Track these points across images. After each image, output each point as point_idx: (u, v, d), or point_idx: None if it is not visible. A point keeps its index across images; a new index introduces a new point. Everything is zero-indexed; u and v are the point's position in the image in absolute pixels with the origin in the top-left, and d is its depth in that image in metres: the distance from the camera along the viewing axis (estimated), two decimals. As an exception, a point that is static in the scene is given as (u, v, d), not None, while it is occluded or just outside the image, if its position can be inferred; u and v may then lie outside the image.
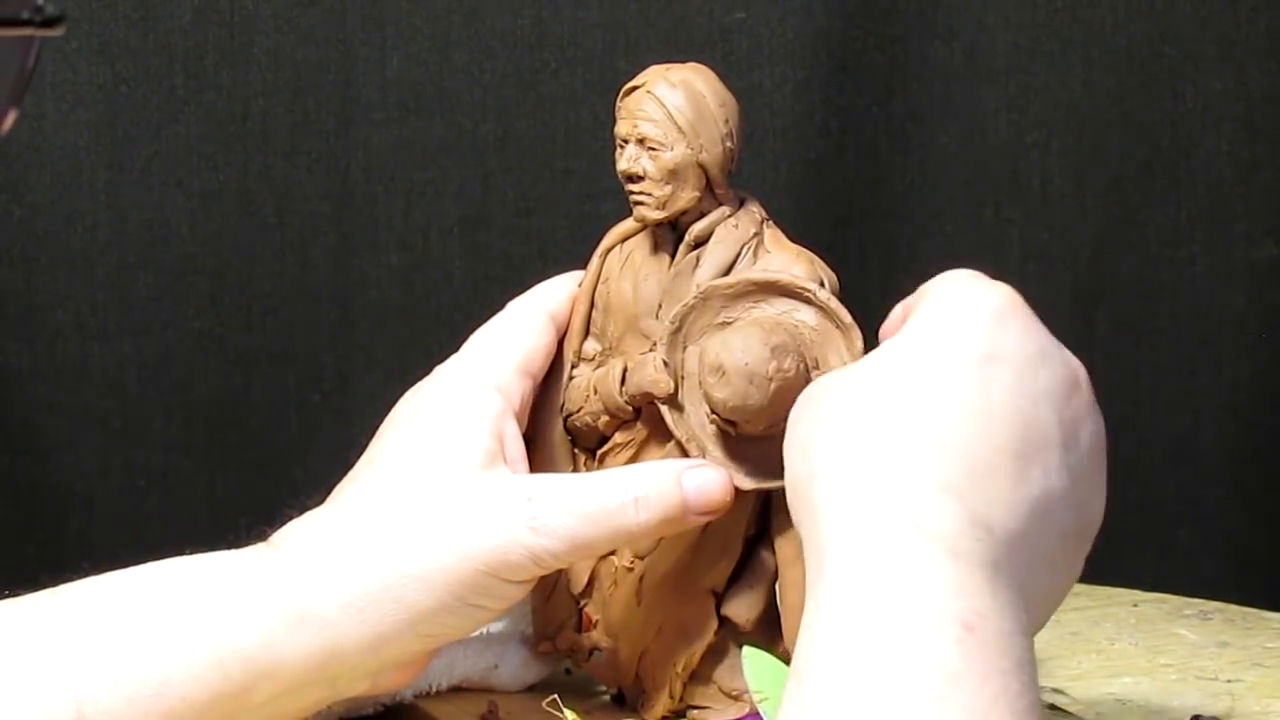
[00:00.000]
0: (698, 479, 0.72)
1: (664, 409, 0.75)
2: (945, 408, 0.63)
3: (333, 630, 0.69)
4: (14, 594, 0.71)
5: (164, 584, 0.70)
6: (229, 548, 0.73)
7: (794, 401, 0.69)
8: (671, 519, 0.72)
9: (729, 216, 0.77)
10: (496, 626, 0.84)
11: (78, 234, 1.32)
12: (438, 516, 0.71)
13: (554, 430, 0.79)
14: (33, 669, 0.66)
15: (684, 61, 0.78)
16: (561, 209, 1.35)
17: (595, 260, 0.80)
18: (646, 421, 0.77)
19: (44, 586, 0.71)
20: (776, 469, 0.70)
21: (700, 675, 0.78)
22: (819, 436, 0.65)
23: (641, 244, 0.79)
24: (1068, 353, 0.67)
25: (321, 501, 0.74)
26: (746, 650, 0.75)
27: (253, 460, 1.35)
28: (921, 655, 0.56)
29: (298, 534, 0.72)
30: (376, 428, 0.77)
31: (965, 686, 0.56)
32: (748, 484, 0.73)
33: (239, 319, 1.35)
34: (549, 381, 0.80)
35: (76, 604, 0.69)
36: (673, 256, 0.77)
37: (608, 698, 0.82)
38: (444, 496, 0.71)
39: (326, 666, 0.69)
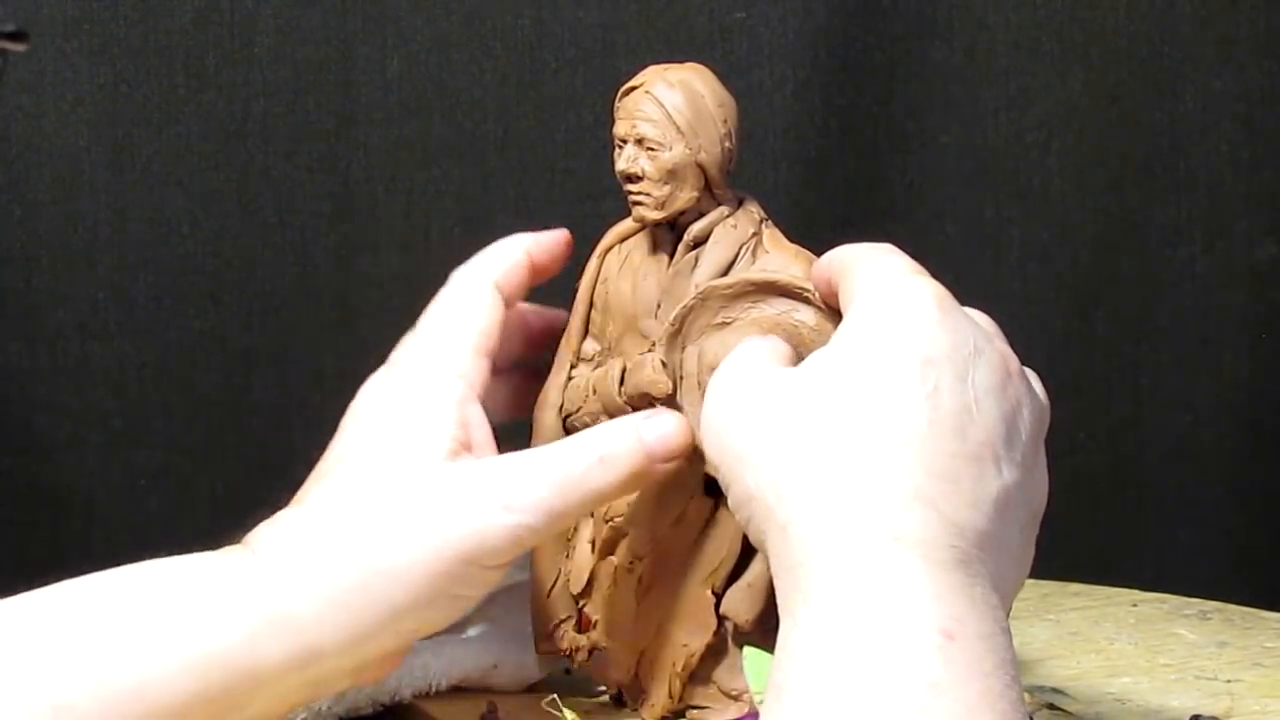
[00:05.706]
0: (656, 428, 0.72)
1: (662, 409, 0.75)
2: (900, 416, 0.63)
3: (313, 633, 0.69)
4: (13, 595, 0.71)
5: (141, 589, 0.69)
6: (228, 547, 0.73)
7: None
8: (638, 472, 0.72)
9: (727, 216, 0.77)
10: (496, 627, 0.84)
11: (78, 234, 1.32)
12: (410, 511, 0.70)
13: (552, 430, 0.79)
14: (7, 674, 0.66)
15: (684, 61, 0.78)
16: (561, 209, 1.35)
17: (594, 260, 0.80)
18: (645, 422, 0.77)
19: (43, 586, 0.70)
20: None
21: (700, 675, 0.78)
22: (777, 453, 0.64)
23: (640, 244, 0.78)
24: (997, 341, 0.67)
25: (290, 499, 0.74)
26: (746, 650, 0.75)
27: (253, 460, 1.35)
28: (903, 665, 0.56)
29: (272, 536, 0.71)
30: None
31: (948, 693, 0.56)
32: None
33: (239, 319, 1.35)
34: (546, 379, 0.80)
35: (53, 609, 0.69)
36: (671, 257, 0.77)
37: (607, 698, 0.82)
38: (415, 490, 0.71)
39: (306, 669, 0.69)
